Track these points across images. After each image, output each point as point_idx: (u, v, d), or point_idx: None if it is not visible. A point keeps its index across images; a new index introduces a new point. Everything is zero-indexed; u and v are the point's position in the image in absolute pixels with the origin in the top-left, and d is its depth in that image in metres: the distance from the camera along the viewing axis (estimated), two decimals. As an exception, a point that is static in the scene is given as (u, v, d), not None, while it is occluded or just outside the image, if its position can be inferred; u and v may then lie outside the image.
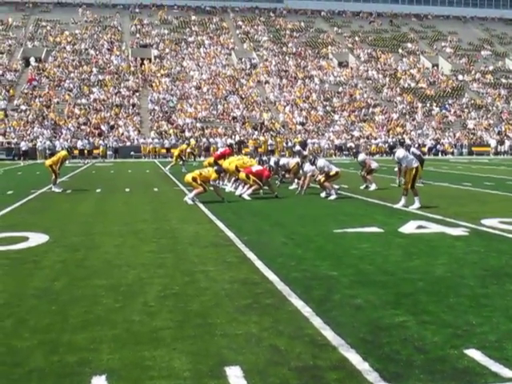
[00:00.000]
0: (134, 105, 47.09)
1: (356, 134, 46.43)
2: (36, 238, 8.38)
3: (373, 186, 15.79)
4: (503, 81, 58.95)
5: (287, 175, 16.99)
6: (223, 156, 17.48)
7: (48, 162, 16.65)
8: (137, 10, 66.34)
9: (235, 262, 6.73)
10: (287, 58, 58.64)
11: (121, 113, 45.89)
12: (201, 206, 12.27)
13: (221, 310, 4.89)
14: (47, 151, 37.33)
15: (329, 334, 4.26)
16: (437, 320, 4.55)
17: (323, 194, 14.00)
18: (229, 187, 15.87)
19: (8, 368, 3.72)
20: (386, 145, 39.90)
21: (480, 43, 67.68)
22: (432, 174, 21.00)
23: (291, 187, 16.19)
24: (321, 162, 14.10)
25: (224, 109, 47.79)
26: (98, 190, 16.18)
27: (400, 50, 63.49)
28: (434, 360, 3.76)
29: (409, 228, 9.07)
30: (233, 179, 15.92)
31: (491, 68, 61.29)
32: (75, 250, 7.54)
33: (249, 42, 61.78)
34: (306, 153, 20.40)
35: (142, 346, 4.07)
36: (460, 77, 58.69)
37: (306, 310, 4.82)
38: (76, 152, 36.74)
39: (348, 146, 42.12)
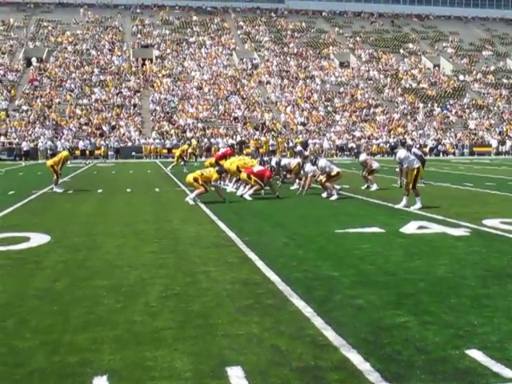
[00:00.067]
0: (135, 105, 47.12)
1: (357, 134, 46.42)
2: (37, 239, 8.39)
3: (374, 187, 15.78)
4: (504, 81, 58.94)
5: (288, 175, 16.99)
6: (224, 156, 17.47)
7: (49, 162, 16.64)
8: (138, 11, 66.42)
9: (236, 263, 6.73)
10: (288, 59, 58.65)
11: (122, 113, 45.92)
12: (202, 206, 12.27)
13: (222, 310, 4.89)
14: (49, 151, 37.39)
15: (330, 334, 4.26)
16: (438, 320, 4.55)
17: (324, 195, 14.00)
18: (230, 188, 15.87)
19: (10, 368, 3.73)
20: (388, 145, 39.83)
21: (481, 43, 67.68)
22: (433, 175, 21.00)
23: (292, 187, 16.20)
24: (322, 162, 14.09)
25: (225, 109, 47.80)
26: (100, 191, 16.19)
27: (401, 51, 63.49)
28: (435, 360, 3.76)
29: (410, 228, 9.06)
30: (234, 180, 15.92)
31: (492, 68, 61.27)
32: (76, 251, 7.55)
33: (250, 42, 61.81)
34: (307, 153, 20.40)
35: (143, 346, 4.07)
36: (461, 77, 58.67)
37: (307, 311, 4.82)
38: (77, 152, 36.69)
39: (349, 146, 42.11)
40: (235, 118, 46.69)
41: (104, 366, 3.72)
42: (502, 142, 46.87)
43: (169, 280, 5.93)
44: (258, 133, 44.27)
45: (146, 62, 55.04)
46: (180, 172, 22.08)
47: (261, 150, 38.94)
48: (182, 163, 25.46)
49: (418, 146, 27.99)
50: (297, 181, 16.17)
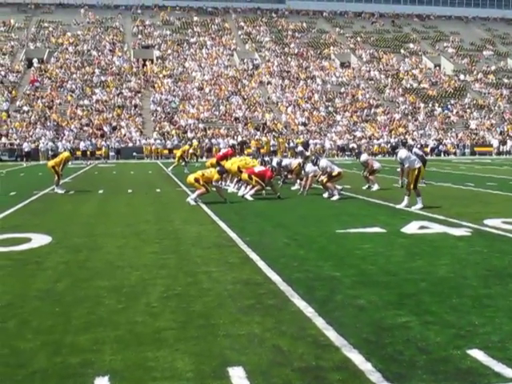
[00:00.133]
0: (136, 106, 47.15)
1: (358, 134, 46.41)
2: (39, 239, 8.39)
3: (375, 187, 15.78)
4: (505, 81, 58.91)
5: (289, 176, 16.99)
6: (225, 157, 17.46)
7: (50, 163, 16.63)
8: (139, 11, 66.46)
9: (238, 263, 6.73)
10: (289, 59, 58.67)
11: (123, 114, 45.96)
12: (203, 206, 12.27)
13: (223, 310, 4.89)
14: (50, 152, 37.36)
15: (331, 334, 4.26)
16: (440, 320, 4.55)
17: (326, 195, 13.99)
18: (231, 188, 15.87)
19: (11, 369, 3.73)
20: (389, 145, 39.83)
21: (482, 43, 67.66)
22: (434, 175, 20.99)
23: (293, 188, 16.19)
24: (323, 162, 14.09)
25: (226, 109, 47.82)
26: (101, 191, 16.20)
27: (402, 51, 63.50)
28: (436, 360, 3.76)
29: (411, 228, 9.05)
30: (235, 180, 15.92)
31: (493, 68, 61.26)
32: (78, 251, 7.55)
33: (251, 42, 61.84)
34: (308, 153, 20.42)
35: (144, 346, 4.07)
36: (462, 77, 58.65)
37: (308, 311, 4.81)
38: (78, 153, 36.70)
39: (350, 146, 42.11)
40: (236, 119, 46.70)
41: (105, 367, 3.72)
42: (503, 142, 46.83)
43: (170, 280, 5.93)
44: (258, 133, 44.27)
45: (147, 63, 55.09)
46: (181, 172, 22.08)
47: (262, 151, 38.89)
48: (183, 164, 25.46)
49: (419, 146, 28.03)
50: (298, 181, 16.16)
